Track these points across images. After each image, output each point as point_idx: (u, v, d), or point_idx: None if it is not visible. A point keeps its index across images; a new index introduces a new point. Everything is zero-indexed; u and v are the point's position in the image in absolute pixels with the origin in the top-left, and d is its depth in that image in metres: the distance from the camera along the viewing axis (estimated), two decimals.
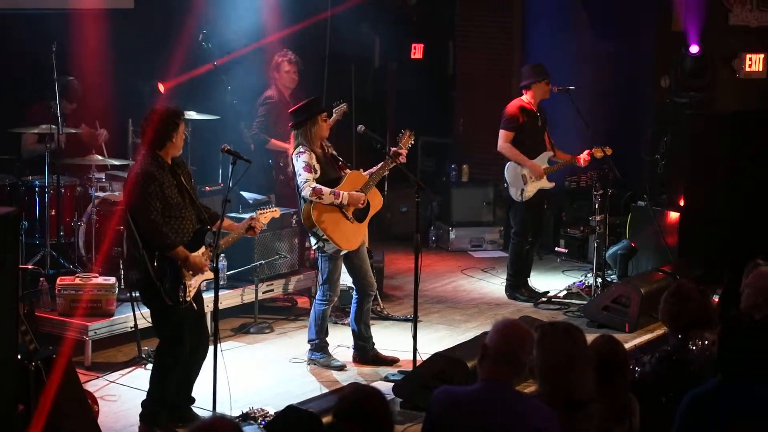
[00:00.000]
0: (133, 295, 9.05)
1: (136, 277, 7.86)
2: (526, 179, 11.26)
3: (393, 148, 9.40)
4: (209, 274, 7.82)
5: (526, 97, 11.35)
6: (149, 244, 7.56)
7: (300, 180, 9.04)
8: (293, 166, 9.17)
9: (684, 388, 6.16)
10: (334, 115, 10.03)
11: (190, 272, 7.66)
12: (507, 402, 5.06)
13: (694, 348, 6.45)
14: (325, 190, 9.00)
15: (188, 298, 7.67)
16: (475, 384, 5.17)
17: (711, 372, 5.94)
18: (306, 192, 8.99)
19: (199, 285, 7.87)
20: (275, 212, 8.56)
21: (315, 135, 9.13)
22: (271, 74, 11.55)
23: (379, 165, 9.43)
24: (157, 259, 7.55)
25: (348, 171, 9.33)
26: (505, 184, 11.49)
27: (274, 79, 11.55)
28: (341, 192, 9.07)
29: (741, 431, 5.51)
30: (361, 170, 9.42)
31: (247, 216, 10.37)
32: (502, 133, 11.33)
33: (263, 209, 8.47)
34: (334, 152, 9.39)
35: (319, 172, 9.07)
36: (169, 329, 7.79)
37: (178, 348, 7.75)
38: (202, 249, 7.77)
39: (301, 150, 9.09)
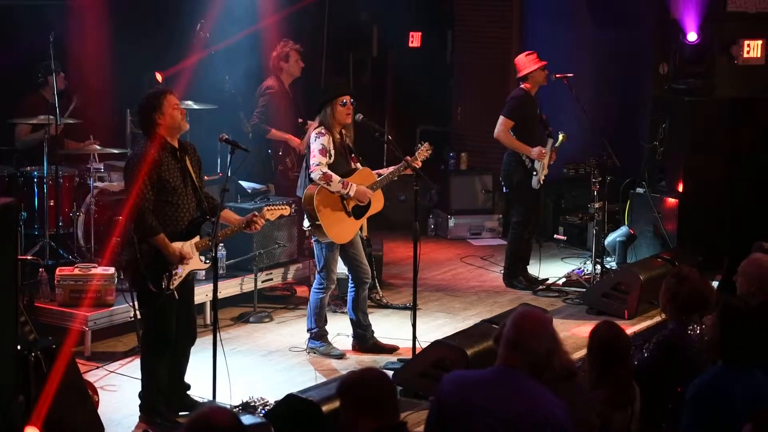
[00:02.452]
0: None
1: (125, 258, 7.81)
2: (540, 167, 11.25)
3: (408, 157, 9.34)
4: (199, 264, 7.78)
5: (527, 86, 11.34)
6: (136, 228, 7.55)
7: (313, 161, 9.02)
8: (309, 147, 9.14)
9: (683, 374, 6.19)
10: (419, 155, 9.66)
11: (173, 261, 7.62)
12: (517, 388, 5.03)
13: (692, 333, 6.47)
14: (335, 177, 9.00)
15: (172, 286, 7.61)
16: (488, 368, 5.16)
17: (710, 358, 5.95)
18: (316, 174, 8.98)
19: (188, 274, 7.80)
20: (284, 209, 8.41)
21: (334, 119, 9.12)
22: (278, 64, 11.51)
23: (390, 169, 9.45)
24: (145, 243, 7.53)
25: (359, 165, 9.33)
26: (506, 174, 11.50)
27: (278, 69, 11.52)
28: (351, 183, 9.07)
29: (745, 416, 5.52)
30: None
31: (246, 206, 10.47)
32: (502, 119, 11.30)
33: (271, 205, 8.36)
34: (351, 144, 9.36)
35: (333, 158, 9.07)
36: (153, 314, 7.74)
37: (164, 334, 7.71)
38: (196, 239, 7.73)
39: (322, 132, 9.08)
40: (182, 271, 7.66)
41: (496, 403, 4.99)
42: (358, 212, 9.25)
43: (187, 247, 7.66)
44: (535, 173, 11.21)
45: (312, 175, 9.04)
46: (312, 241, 9.53)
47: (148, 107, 7.65)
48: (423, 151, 9.50)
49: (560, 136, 11.32)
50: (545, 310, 8.60)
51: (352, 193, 9.08)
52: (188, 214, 7.71)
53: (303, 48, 11.79)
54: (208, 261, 7.83)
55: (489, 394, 5.03)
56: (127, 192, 7.63)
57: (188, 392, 8.07)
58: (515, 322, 5.14)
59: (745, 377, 5.71)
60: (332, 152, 9.07)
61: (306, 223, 9.28)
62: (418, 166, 9.26)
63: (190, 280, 7.92)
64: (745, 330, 5.80)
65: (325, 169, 8.98)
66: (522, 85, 11.37)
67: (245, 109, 11.56)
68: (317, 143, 9.03)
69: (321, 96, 9.29)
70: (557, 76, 11.41)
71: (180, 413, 7.87)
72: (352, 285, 9.50)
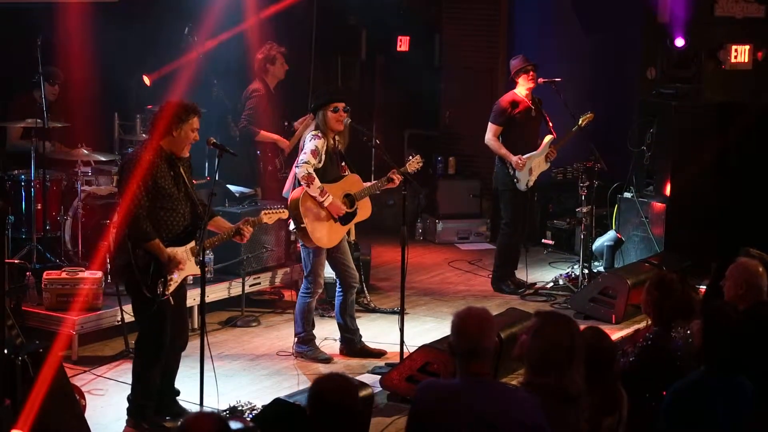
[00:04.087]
0: (119, 288, 9.03)
1: (119, 264, 7.79)
2: (533, 170, 11.27)
3: (394, 170, 9.35)
4: (194, 269, 7.75)
5: (517, 90, 11.37)
6: (130, 233, 7.53)
7: (302, 158, 9.04)
8: (303, 145, 9.15)
9: (667, 377, 6.20)
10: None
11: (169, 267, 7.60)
12: (490, 395, 5.06)
13: (676, 336, 6.48)
14: (317, 182, 9.00)
15: (168, 292, 7.58)
16: (456, 378, 5.16)
17: (694, 363, 5.96)
18: (300, 172, 8.99)
19: (183, 279, 7.79)
20: (282, 213, 8.37)
21: (327, 125, 9.13)
22: (263, 66, 11.52)
23: (377, 181, 9.47)
24: (139, 248, 7.51)
25: (348, 173, 9.34)
26: (495, 176, 11.54)
27: (264, 71, 11.52)
28: (328, 194, 9.07)
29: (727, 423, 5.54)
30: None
31: (234, 210, 10.46)
32: (489, 126, 11.38)
33: (269, 209, 8.29)
34: (342, 151, 9.36)
35: (322, 163, 9.07)
36: (148, 320, 7.71)
37: (158, 339, 7.68)
38: (191, 244, 7.70)
39: (318, 135, 9.11)
40: (177, 277, 7.64)
41: (470, 410, 5.01)
42: (344, 218, 9.25)
43: (182, 252, 7.63)
44: (516, 180, 11.25)
45: (297, 170, 9.08)
46: (299, 245, 9.52)
47: (170, 116, 7.62)
48: (413, 163, 9.53)
49: (582, 118, 11.32)
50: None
51: (326, 204, 9.08)
52: (183, 219, 7.69)
53: (289, 51, 11.78)
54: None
55: (463, 401, 5.04)
56: (120, 195, 7.63)
57: (177, 398, 8.05)
58: (463, 333, 5.12)
59: (728, 384, 5.72)
60: (323, 157, 9.08)
61: (292, 226, 9.29)
62: (397, 183, 9.30)
63: (183, 286, 7.90)
64: (729, 337, 5.81)
65: (311, 170, 8.99)
66: (514, 89, 11.40)
67: (233, 113, 11.55)
68: (311, 144, 9.06)
69: (315, 100, 9.31)
70: (544, 80, 11.43)
71: (167, 419, 7.85)
72: (340, 289, 9.50)
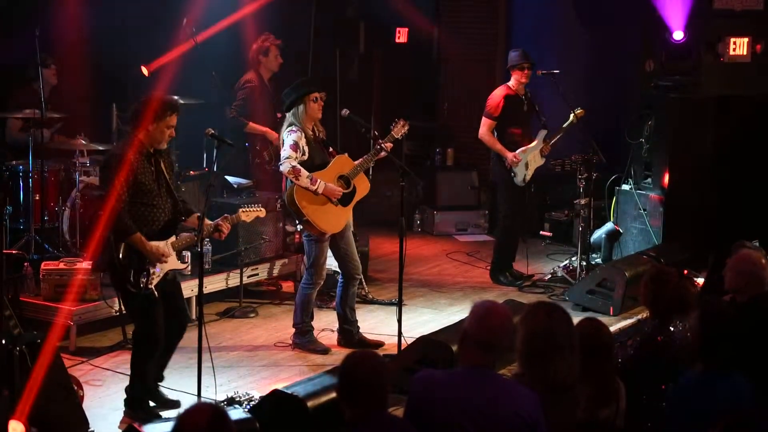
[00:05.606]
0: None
1: (103, 260, 7.80)
2: (529, 165, 11.27)
3: (380, 141, 9.36)
4: (176, 264, 7.77)
5: (510, 83, 11.36)
6: (113, 229, 7.53)
7: (283, 154, 9.03)
8: (282, 143, 9.15)
9: (666, 371, 6.19)
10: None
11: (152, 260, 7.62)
12: (488, 387, 5.06)
13: (674, 330, 6.48)
14: (304, 172, 8.99)
15: (150, 285, 7.59)
16: (457, 368, 5.18)
17: (688, 360, 5.94)
18: (284, 168, 8.99)
19: (169, 273, 7.77)
20: (260, 212, 8.39)
21: (306, 116, 9.12)
22: (257, 57, 11.51)
23: (368, 155, 9.42)
24: (122, 243, 7.52)
25: (337, 156, 9.33)
26: (492, 170, 11.55)
27: (257, 63, 11.51)
28: (318, 180, 9.05)
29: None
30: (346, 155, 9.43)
31: (232, 201, 10.45)
32: (483, 120, 11.40)
33: (247, 208, 8.34)
34: (324, 137, 9.37)
35: (307, 154, 9.06)
36: (138, 313, 7.76)
37: (151, 331, 7.70)
38: (172, 239, 7.73)
39: (293, 129, 9.09)
40: (160, 270, 7.65)
41: (467, 401, 5.02)
42: (345, 200, 9.24)
43: (164, 246, 7.65)
44: (513, 175, 11.25)
45: (281, 168, 9.07)
46: (300, 237, 9.50)
47: (149, 111, 7.63)
48: (399, 128, 9.52)
49: (573, 113, 11.32)
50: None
51: (320, 190, 9.06)
52: (163, 215, 7.71)
53: (287, 43, 11.76)
54: (185, 262, 7.85)
55: (459, 393, 5.05)
56: (102, 191, 7.66)
57: (159, 385, 8.08)
58: (483, 323, 5.14)
59: (725, 382, 5.71)
60: (305, 149, 9.07)
61: (297, 224, 9.29)
62: (389, 148, 9.31)
63: (171, 279, 7.90)
64: (726, 334, 5.80)
65: (294, 163, 8.98)
66: (509, 81, 11.39)
67: (230, 104, 11.54)
68: (289, 139, 9.05)
69: (290, 95, 9.25)
70: (543, 72, 11.42)
71: (153, 405, 7.87)
72: (342, 280, 9.50)
